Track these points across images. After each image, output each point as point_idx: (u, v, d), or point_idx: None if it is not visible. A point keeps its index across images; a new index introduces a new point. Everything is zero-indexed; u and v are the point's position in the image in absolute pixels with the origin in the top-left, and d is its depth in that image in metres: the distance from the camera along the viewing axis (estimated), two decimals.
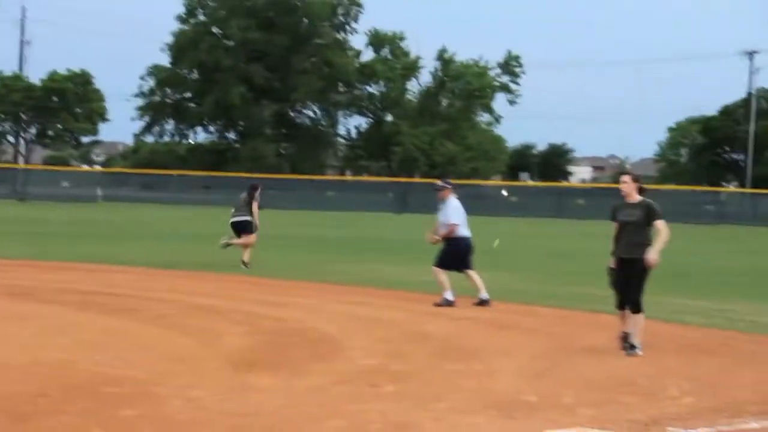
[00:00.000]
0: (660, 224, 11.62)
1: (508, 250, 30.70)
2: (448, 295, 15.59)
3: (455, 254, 15.94)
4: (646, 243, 11.56)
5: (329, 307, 14.89)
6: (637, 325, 11.46)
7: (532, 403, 8.73)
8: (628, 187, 11.78)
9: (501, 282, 19.69)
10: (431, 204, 74.92)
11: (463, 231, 16.03)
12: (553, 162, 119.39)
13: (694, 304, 16.63)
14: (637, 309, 11.47)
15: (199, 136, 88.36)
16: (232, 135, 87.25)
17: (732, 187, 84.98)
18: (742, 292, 19.31)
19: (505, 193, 77.39)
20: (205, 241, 25.89)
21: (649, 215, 11.63)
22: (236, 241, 21.64)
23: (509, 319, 14.32)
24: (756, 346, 12.44)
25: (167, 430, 7.35)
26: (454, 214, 16.05)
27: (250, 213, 21.81)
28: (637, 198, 11.78)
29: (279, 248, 27.22)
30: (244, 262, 21.05)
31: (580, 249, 32.21)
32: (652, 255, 11.30)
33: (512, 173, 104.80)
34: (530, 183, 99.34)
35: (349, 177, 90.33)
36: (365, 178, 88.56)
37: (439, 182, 16.87)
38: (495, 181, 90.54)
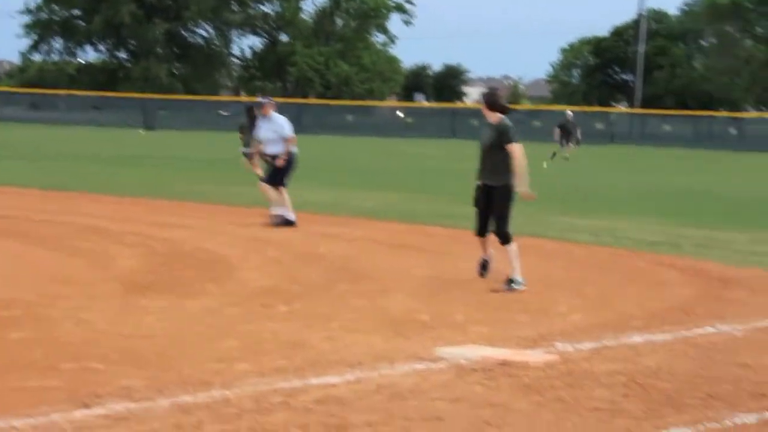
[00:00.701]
0: (512, 148, 10.57)
1: (401, 170, 30.87)
2: (291, 215, 15.33)
3: (287, 170, 15.65)
4: (503, 169, 10.58)
5: (223, 229, 14.83)
6: (511, 256, 10.51)
7: (424, 322, 8.85)
8: (483, 107, 10.86)
9: (393, 202, 19.83)
10: (326, 124, 74.82)
11: (294, 146, 15.86)
12: (447, 83, 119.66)
13: (582, 223, 16.97)
14: (505, 240, 10.63)
15: (89, 55, 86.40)
16: (123, 54, 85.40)
17: (621, 108, 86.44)
18: (628, 210, 19.77)
19: (400, 114, 77.54)
20: (96, 162, 25.44)
21: (500, 138, 10.64)
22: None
23: (402, 239, 14.44)
24: (641, 263, 12.78)
25: (58, 352, 7.27)
26: (288, 126, 15.85)
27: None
28: (495, 118, 10.77)
29: (173, 169, 26.92)
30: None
31: (472, 169, 32.49)
32: (523, 189, 10.46)
33: (407, 94, 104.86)
34: (425, 104, 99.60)
35: (243, 98, 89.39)
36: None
37: (260, 98, 16.66)
38: (390, 102, 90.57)
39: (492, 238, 10.81)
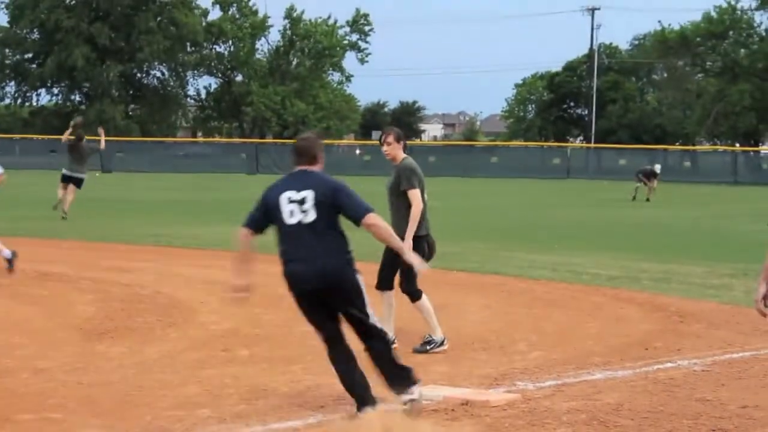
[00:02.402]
0: (411, 195, 9.25)
1: None
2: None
3: None
4: (403, 220, 9.25)
5: (179, 272, 14.74)
6: (424, 313, 9.38)
7: None
8: (391, 148, 9.44)
9: (354, 241, 19.80)
10: (284, 164, 74.81)
11: None
12: (405, 120, 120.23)
13: (541, 259, 17.04)
14: (414, 297, 9.35)
15: (43, 98, 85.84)
16: (77, 97, 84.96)
17: (577, 142, 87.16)
18: (587, 245, 19.88)
19: (358, 151, 77.79)
20: (48, 206, 25.23)
21: (398, 182, 9.31)
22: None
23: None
24: (599, 298, 12.84)
25: (16, 403, 7.18)
26: None
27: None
28: (399, 159, 9.44)
29: (125, 212, 26.76)
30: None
31: (429, 207, 32.56)
32: (407, 256, 7.60)
33: (365, 132, 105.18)
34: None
35: (200, 138, 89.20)
36: (217, 139, 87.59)
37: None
38: (347, 141, 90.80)
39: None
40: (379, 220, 7.07)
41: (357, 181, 59.93)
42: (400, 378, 7.07)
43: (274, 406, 7.25)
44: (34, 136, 70.88)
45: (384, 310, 9.29)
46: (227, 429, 6.65)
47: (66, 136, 25.51)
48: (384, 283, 9.41)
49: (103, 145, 26.87)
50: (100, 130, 27.07)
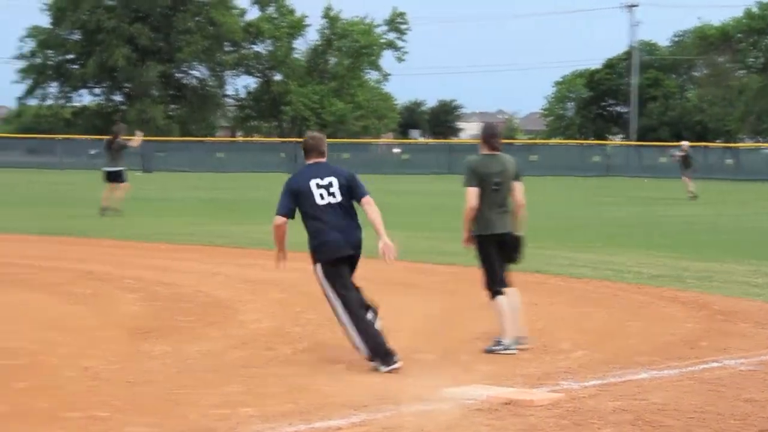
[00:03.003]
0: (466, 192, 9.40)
1: (401, 208, 30.87)
2: None
3: None
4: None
5: (221, 271, 14.79)
6: (496, 314, 9.43)
7: (429, 361, 8.83)
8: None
9: (394, 240, 19.80)
10: None
11: None
12: (442, 118, 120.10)
13: (582, 257, 16.95)
14: (491, 296, 9.45)
15: (85, 98, 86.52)
16: (118, 97, 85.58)
17: (617, 140, 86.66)
18: (627, 243, 19.75)
19: (396, 150, 77.75)
20: (94, 205, 25.43)
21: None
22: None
23: (402, 278, 14.40)
24: (643, 297, 12.75)
25: (62, 401, 7.23)
26: None
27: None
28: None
29: (166, 212, 26.90)
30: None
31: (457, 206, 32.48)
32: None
33: (403, 130, 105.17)
34: (421, 140, 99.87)
35: (239, 138, 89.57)
36: (256, 138, 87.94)
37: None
38: (386, 139, 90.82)
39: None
40: (373, 202, 8.79)
41: (396, 180, 59.97)
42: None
43: (317, 404, 7.25)
44: (76, 136, 71.44)
45: (505, 308, 9.25)
46: (271, 428, 6.66)
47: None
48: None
49: (135, 143, 26.94)
50: (139, 132, 27.25)
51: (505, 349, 9.23)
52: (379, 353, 8.34)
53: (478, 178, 9.30)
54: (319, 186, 8.61)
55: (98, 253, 17.05)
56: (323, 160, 8.85)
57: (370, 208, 8.69)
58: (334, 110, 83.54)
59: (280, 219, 8.70)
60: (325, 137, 9.10)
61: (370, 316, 8.78)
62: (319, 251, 8.62)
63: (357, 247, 8.68)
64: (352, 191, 8.68)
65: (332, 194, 8.60)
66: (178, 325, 10.43)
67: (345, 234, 8.57)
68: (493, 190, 9.29)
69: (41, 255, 16.48)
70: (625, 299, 12.60)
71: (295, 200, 8.65)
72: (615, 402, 7.40)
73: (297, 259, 16.34)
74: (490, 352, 9.24)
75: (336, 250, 8.56)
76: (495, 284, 9.37)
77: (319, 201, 8.58)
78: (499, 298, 9.34)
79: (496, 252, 9.38)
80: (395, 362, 8.31)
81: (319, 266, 8.72)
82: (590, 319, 11.10)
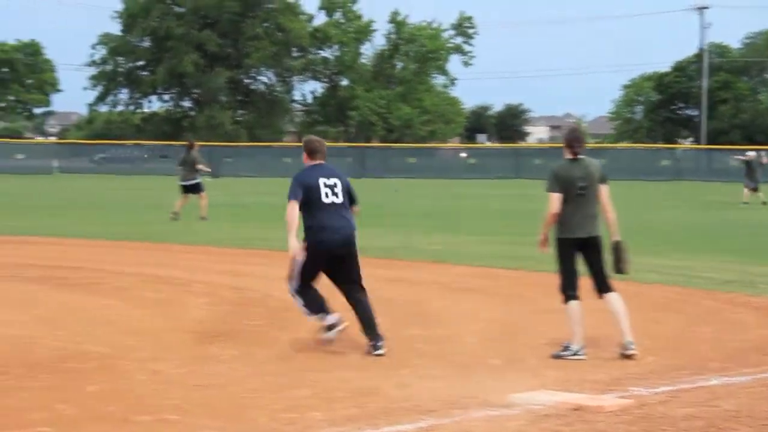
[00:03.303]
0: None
1: (467, 212, 30.82)
2: None
3: None
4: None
5: None
6: (568, 318, 9.38)
7: (496, 367, 8.79)
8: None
9: (459, 244, 19.77)
10: (389, 167, 74.82)
11: None
12: (509, 122, 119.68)
13: (651, 262, 16.75)
14: (563, 299, 9.43)
15: (154, 104, 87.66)
16: (187, 103, 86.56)
17: (687, 144, 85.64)
18: (698, 248, 19.50)
19: (463, 155, 77.63)
20: (164, 211, 25.73)
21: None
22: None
23: (469, 283, 14.37)
24: (713, 303, 12.57)
25: (132, 404, 7.32)
26: None
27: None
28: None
29: (234, 217, 27.12)
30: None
31: (537, 209, 32.33)
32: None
33: (469, 135, 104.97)
34: (488, 144, 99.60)
35: None
36: None
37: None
38: (452, 144, 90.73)
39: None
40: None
41: (462, 184, 59.76)
42: (376, 327, 9.40)
43: (385, 409, 7.25)
44: (146, 142, 72.38)
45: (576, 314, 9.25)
46: None
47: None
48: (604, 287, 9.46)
49: (205, 168, 26.56)
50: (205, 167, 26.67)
51: (574, 355, 9.17)
52: (318, 310, 9.52)
53: (561, 183, 9.27)
54: (325, 185, 9.44)
55: (169, 258, 17.24)
56: (324, 161, 9.69)
57: (356, 214, 9.75)
58: (401, 115, 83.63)
59: (295, 204, 9.34)
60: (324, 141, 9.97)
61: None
62: (314, 244, 9.40)
63: (350, 244, 9.52)
64: (351, 195, 9.62)
65: (335, 194, 9.45)
66: (246, 329, 10.50)
67: (341, 232, 9.42)
68: (578, 195, 9.25)
69: (113, 260, 16.70)
70: (695, 305, 12.44)
71: (305, 194, 9.37)
72: (686, 409, 7.30)
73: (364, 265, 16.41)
74: (558, 357, 9.18)
75: (329, 246, 9.41)
76: (569, 288, 9.34)
77: (324, 199, 9.40)
78: (572, 302, 9.30)
79: (578, 256, 9.38)
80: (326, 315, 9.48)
81: (305, 253, 9.43)
82: (660, 325, 10.97)
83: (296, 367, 8.65)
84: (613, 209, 9.49)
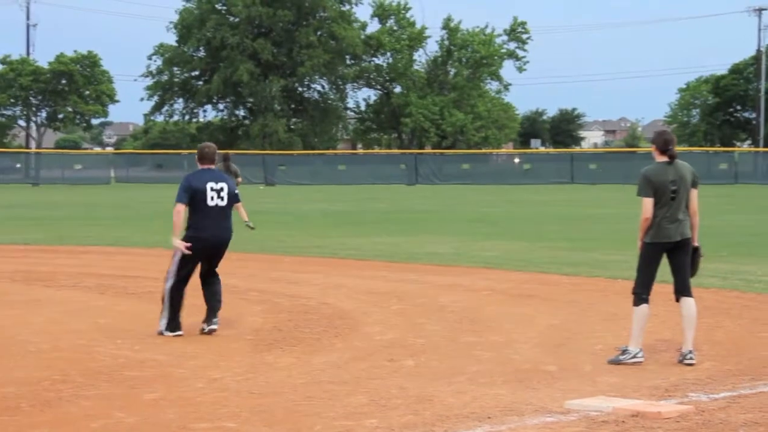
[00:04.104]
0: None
1: (521, 218, 30.71)
2: None
3: None
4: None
5: (343, 282, 14.91)
6: (633, 320, 9.34)
7: (552, 373, 8.74)
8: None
9: (514, 251, 19.70)
10: (443, 174, 74.94)
11: None
12: (563, 127, 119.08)
13: (709, 267, 16.53)
14: (634, 302, 9.39)
15: (209, 114, 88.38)
16: (241, 112, 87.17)
17: (745, 147, 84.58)
18: (757, 252, 19.26)
19: (517, 160, 77.37)
20: None
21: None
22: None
23: (525, 289, 14.32)
24: None
25: (190, 412, 7.38)
26: None
27: None
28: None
29: (289, 225, 27.24)
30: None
31: (593, 215, 32.15)
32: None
33: (523, 140, 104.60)
34: (542, 149, 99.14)
35: (360, 150, 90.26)
36: (376, 150, 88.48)
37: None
38: (506, 150, 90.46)
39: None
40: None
41: (517, 190, 59.55)
42: (216, 312, 10.78)
43: (441, 416, 7.24)
44: None
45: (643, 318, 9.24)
46: None
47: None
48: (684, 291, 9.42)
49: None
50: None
51: (632, 357, 9.09)
52: (171, 324, 10.52)
53: (654, 187, 9.15)
54: (212, 189, 10.49)
55: (224, 266, 17.25)
56: (213, 166, 10.74)
57: (239, 209, 11.49)
58: (454, 121, 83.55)
59: (181, 206, 10.44)
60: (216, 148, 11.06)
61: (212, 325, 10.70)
62: (194, 240, 10.45)
63: (226, 243, 10.75)
64: (232, 198, 10.70)
65: (221, 198, 10.53)
66: (302, 336, 10.54)
67: (220, 233, 10.59)
68: (670, 198, 9.15)
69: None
70: (756, 309, 12.28)
71: (191, 197, 10.44)
72: (746, 414, 7.21)
73: (412, 270, 16.45)
74: (615, 362, 9.09)
75: (207, 245, 10.54)
76: (644, 291, 9.26)
77: (209, 202, 10.47)
78: (643, 306, 9.23)
79: (670, 262, 9.31)
80: (178, 331, 10.50)
81: (181, 251, 10.49)
82: (720, 330, 10.85)
83: (352, 375, 8.67)
84: (697, 215, 9.36)
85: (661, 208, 9.11)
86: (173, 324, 10.53)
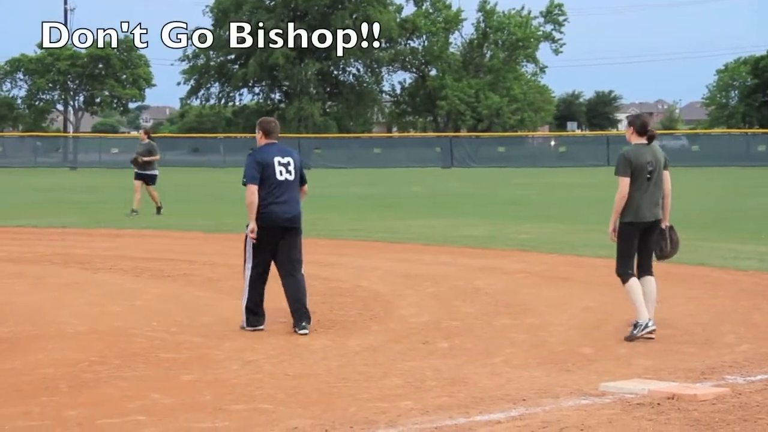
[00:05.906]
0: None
1: (558, 201, 30.58)
2: None
3: None
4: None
5: (378, 265, 14.92)
6: (629, 296, 9.55)
7: (587, 355, 8.72)
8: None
9: (549, 233, 19.63)
10: (478, 156, 74.67)
11: None
12: (600, 110, 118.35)
13: (747, 249, 16.45)
14: (622, 280, 9.61)
15: (245, 98, 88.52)
16: (277, 95, 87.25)
17: None
18: None
19: (553, 143, 77.02)
20: None
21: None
22: None
23: (560, 271, 14.28)
24: None
25: (226, 394, 7.43)
26: None
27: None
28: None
29: (324, 208, 27.29)
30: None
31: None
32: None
33: (559, 123, 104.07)
34: (578, 132, 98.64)
35: (395, 134, 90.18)
36: (412, 134, 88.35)
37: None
38: (542, 132, 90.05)
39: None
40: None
41: (553, 173, 59.23)
42: (304, 311, 9.87)
43: (476, 398, 7.25)
44: (237, 135, 73.21)
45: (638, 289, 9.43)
46: (430, 421, 6.69)
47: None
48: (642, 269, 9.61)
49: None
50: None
51: (644, 329, 9.25)
52: (249, 314, 9.91)
53: (632, 167, 9.42)
54: (279, 163, 9.99)
55: None
56: (276, 141, 10.26)
57: (304, 194, 10.28)
58: (490, 104, 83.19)
59: (254, 187, 9.85)
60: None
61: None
62: (264, 217, 9.82)
63: (297, 220, 10.06)
64: (302, 174, 10.18)
65: (289, 172, 10.01)
66: (337, 319, 10.58)
67: (291, 207, 9.96)
68: (646, 179, 9.42)
69: (205, 251, 16.95)
70: None
71: (261, 173, 9.90)
72: None
73: (447, 253, 16.43)
74: (630, 339, 9.23)
75: (278, 220, 9.87)
76: (628, 269, 9.47)
77: (278, 176, 9.93)
78: (632, 280, 9.45)
79: (639, 241, 9.53)
80: (258, 326, 9.89)
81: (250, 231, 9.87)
82: (757, 313, 10.77)
83: (387, 357, 8.69)
84: (670, 196, 9.64)
85: (638, 188, 9.38)
86: (253, 318, 9.93)
